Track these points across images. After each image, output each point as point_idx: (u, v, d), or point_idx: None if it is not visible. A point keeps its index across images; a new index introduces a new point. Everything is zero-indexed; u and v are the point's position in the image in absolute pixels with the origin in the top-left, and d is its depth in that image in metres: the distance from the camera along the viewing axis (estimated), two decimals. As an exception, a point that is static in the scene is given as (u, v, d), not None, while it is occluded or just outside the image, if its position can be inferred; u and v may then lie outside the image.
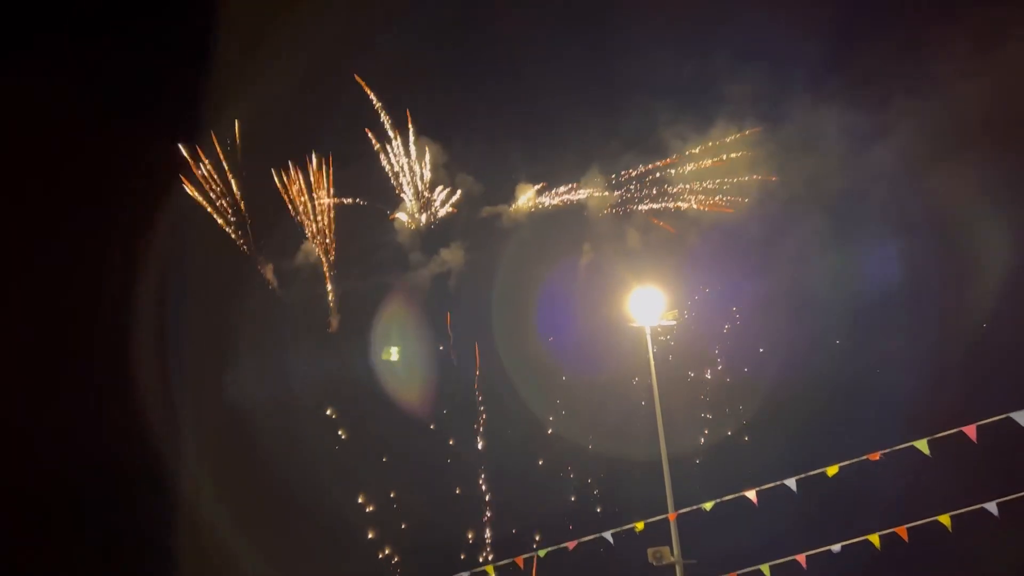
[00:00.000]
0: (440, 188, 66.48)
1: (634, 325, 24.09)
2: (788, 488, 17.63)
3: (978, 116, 51.65)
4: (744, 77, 60.73)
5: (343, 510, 57.28)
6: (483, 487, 60.41)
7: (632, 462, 51.90)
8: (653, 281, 26.20)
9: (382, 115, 64.74)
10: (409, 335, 63.74)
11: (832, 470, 17.61)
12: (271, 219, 64.24)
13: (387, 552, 57.49)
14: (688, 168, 62.35)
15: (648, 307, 24.61)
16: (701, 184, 61.81)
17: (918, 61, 56.94)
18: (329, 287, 64.78)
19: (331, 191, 63.96)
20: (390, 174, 65.87)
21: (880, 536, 17.70)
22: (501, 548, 57.32)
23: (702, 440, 58.32)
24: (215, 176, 62.11)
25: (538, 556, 19.35)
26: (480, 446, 61.64)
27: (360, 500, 58.87)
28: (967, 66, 51.76)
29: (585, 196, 65.47)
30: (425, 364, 63.74)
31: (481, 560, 56.24)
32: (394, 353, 62.14)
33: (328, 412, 61.23)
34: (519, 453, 60.71)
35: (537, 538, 54.97)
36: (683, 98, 64.64)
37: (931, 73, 55.28)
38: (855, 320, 56.29)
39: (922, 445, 16.91)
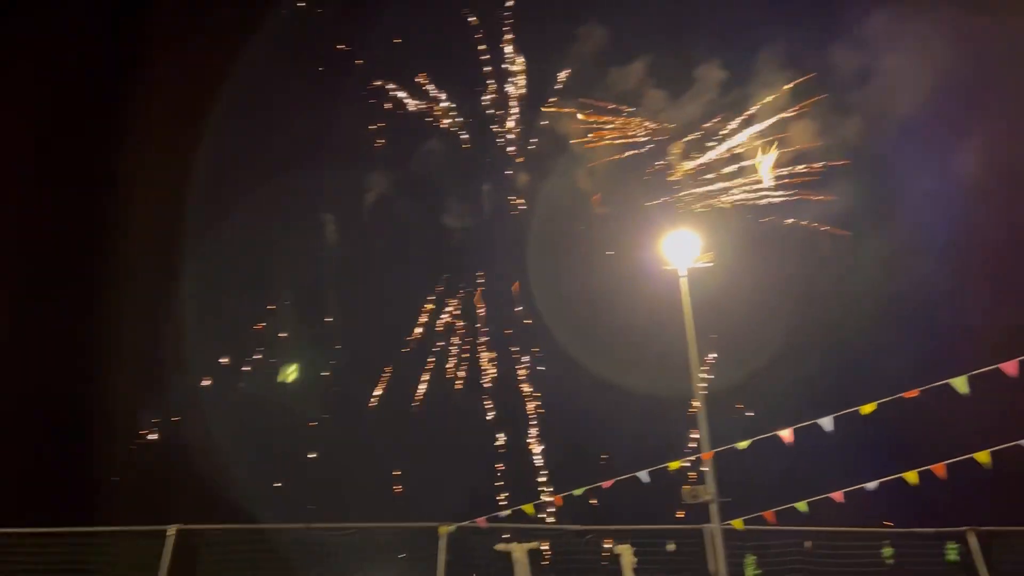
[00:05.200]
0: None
1: (668, 268, 23.94)
2: (821, 428, 17.72)
3: None
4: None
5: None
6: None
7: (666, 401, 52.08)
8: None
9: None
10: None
11: (867, 408, 17.59)
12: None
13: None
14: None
15: (683, 250, 24.43)
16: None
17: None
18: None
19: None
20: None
21: (918, 473, 17.71)
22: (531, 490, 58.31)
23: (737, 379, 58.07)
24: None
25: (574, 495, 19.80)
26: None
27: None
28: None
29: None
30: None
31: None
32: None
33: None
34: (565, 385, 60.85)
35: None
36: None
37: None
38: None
39: (960, 383, 16.78)
